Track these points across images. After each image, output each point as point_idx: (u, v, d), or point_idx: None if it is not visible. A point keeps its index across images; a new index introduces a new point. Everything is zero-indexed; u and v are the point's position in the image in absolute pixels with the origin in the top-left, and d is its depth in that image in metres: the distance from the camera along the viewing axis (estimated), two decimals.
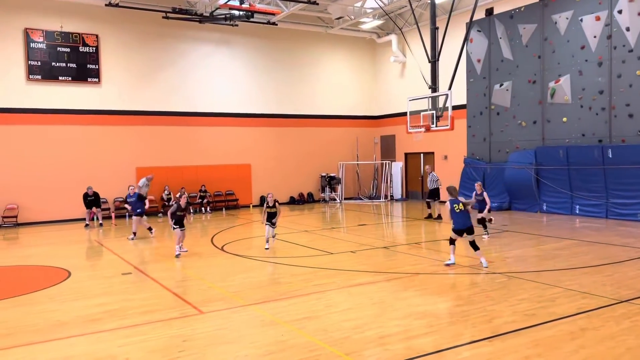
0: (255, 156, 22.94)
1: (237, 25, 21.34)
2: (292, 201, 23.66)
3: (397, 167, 24.49)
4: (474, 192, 13.26)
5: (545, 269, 9.36)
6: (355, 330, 6.27)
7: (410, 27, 23.01)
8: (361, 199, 24.82)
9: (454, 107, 16.30)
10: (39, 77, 18.44)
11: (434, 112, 16.33)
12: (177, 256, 11.31)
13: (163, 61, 20.80)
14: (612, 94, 15.90)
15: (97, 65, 19.39)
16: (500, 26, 19.16)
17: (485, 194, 12.97)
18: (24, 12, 18.27)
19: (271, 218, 11.91)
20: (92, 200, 17.42)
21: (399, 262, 10.53)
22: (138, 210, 14.29)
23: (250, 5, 19.16)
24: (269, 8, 20.35)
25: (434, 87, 16.79)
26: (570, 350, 5.50)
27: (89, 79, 19.29)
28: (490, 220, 13.61)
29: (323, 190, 24.35)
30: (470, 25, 16.87)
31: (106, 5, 18.65)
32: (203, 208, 21.00)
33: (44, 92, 18.61)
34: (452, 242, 9.84)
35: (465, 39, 16.90)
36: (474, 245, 9.65)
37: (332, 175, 24.28)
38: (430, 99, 16.72)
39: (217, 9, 19.69)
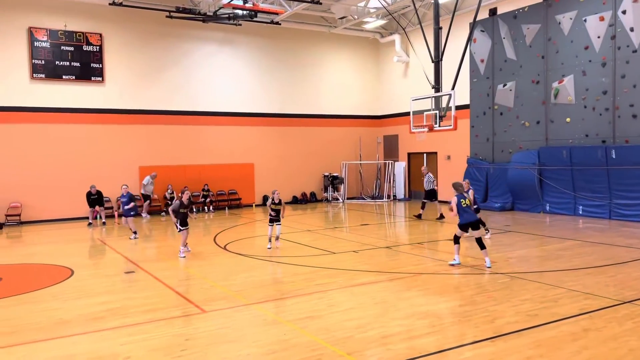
0: (258, 155, 22.95)
1: (240, 24, 21.36)
2: (295, 201, 23.67)
3: (400, 167, 24.47)
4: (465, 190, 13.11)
5: (548, 270, 9.34)
6: (357, 330, 6.27)
7: (413, 27, 22.99)
8: (364, 199, 24.80)
9: (457, 107, 16.26)
10: (43, 75, 18.49)
11: (437, 112, 16.29)
12: (183, 256, 11.25)
13: (166, 60, 20.83)
14: (615, 95, 15.85)
15: (100, 64, 19.44)
16: (504, 26, 19.12)
17: (471, 191, 12.44)
18: (28, 11, 18.32)
19: (275, 215, 11.86)
20: (95, 198, 17.47)
21: (401, 262, 10.52)
22: (132, 213, 14.17)
23: (253, 4, 19.17)
24: (272, 7, 20.36)
25: (437, 87, 16.76)
26: (573, 351, 5.49)
27: (93, 78, 19.33)
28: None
29: (326, 190, 24.35)
30: (473, 25, 16.85)
31: (110, 4, 18.69)
32: (206, 207, 21.03)
33: (48, 91, 18.66)
34: (456, 240, 9.82)
35: (469, 39, 16.85)
36: (480, 243, 9.63)
37: (335, 174, 24.28)
38: (433, 98, 16.68)
39: (220, 8, 19.71)
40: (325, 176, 24.31)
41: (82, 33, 19.12)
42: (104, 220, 17.72)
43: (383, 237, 14.01)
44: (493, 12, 19.55)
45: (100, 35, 19.44)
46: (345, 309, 7.17)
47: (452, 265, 9.70)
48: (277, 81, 23.39)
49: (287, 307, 7.49)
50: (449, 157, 22.12)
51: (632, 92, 15.41)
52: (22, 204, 18.16)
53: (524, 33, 18.42)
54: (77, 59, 19.02)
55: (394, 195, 24.48)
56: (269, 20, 21.73)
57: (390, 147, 25.70)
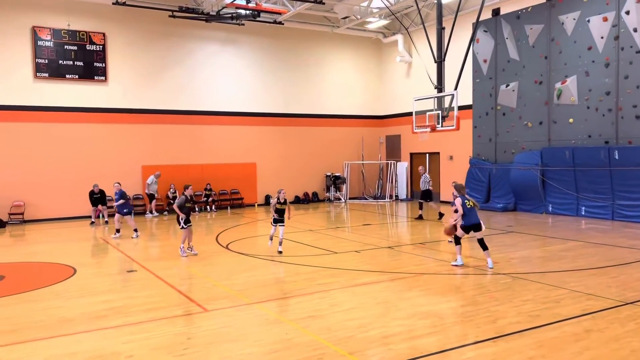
0: (260, 155, 22.97)
1: (243, 24, 21.39)
2: (297, 200, 23.68)
3: (403, 167, 24.46)
4: (453, 192, 13.03)
5: (551, 270, 9.33)
6: (359, 330, 6.27)
7: (416, 27, 22.97)
8: (366, 199, 24.80)
9: (460, 108, 16.25)
10: (46, 75, 18.54)
11: (440, 112, 16.29)
12: (185, 255, 11.18)
13: (169, 60, 20.86)
14: (619, 95, 15.82)
15: (103, 64, 19.48)
16: (507, 26, 19.10)
17: (454, 192, 12.27)
18: (32, 10, 18.37)
19: (280, 215, 11.47)
20: (98, 197, 17.51)
21: (403, 262, 10.52)
22: (124, 211, 14.15)
23: (256, 4, 19.19)
24: (275, 7, 20.39)
25: (439, 87, 16.76)
26: (575, 352, 5.48)
27: (96, 77, 19.38)
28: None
29: (328, 190, 24.35)
30: (476, 26, 16.84)
31: (113, 3, 18.72)
32: (208, 206, 21.05)
33: (51, 90, 18.71)
34: (457, 241, 9.81)
35: (472, 39, 16.86)
36: (482, 244, 9.63)
37: (337, 174, 24.28)
38: (436, 99, 16.69)
39: (223, 8, 19.75)
40: (327, 176, 24.32)
41: (86, 32, 19.16)
42: (106, 219, 17.76)
43: (385, 237, 14.01)
44: (496, 12, 19.52)
45: (104, 34, 19.48)
46: (347, 309, 7.18)
47: (456, 265, 9.68)
48: (279, 81, 23.40)
49: (289, 307, 7.50)
50: (451, 158, 22.10)
51: (635, 93, 15.37)
52: (25, 202, 18.22)
53: (527, 33, 18.40)
54: (81, 58, 19.07)
55: (396, 196, 24.47)
56: (271, 20, 21.74)
57: (393, 147, 25.69)
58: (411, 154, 24.62)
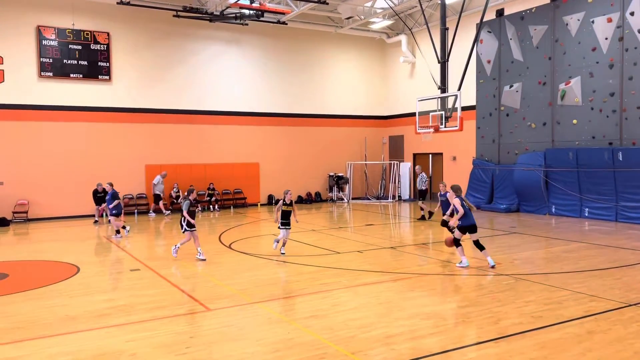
0: (263, 155, 23.00)
1: (247, 24, 21.42)
2: (300, 200, 23.69)
3: (406, 168, 24.44)
4: (439, 193, 13.07)
5: (553, 272, 9.31)
6: (361, 330, 6.28)
7: (420, 27, 22.96)
8: (369, 199, 24.80)
9: (463, 108, 16.24)
10: (51, 74, 18.60)
11: (443, 112, 16.29)
12: (175, 255, 10.92)
13: (173, 59, 20.91)
14: (623, 96, 15.77)
15: (108, 63, 19.54)
16: (511, 27, 19.07)
17: (449, 194, 11.65)
18: (37, 9, 18.45)
19: (286, 217, 11.01)
20: (101, 196, 17.52)
21: (405, 262, 10.52)
22: (114, 212, 14.06)
23: (260, 4, 19.22)
24: (279, 7, 20.42)
25: (443, 87, 16.76)
26: (577, 353, 5.47)
27: (100, 77, 19.44)
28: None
29: (331, 190, 24.36)
30: (480, 26, 16.81)
31: (118, 3, 18.78)
32: (211, 206, 21.09)
33: (56, 89, 18.78)
34: (457, 243, 9.81)
35: (476, 40, 16.84)
36: (479, 245, 9.64)
37: (340, 174, 24.29)
38: (439, 99, 16.68)
39: (227, 8, 19.78)
40: (330, 176, 24.33)
41: (90, 32, 19.22)
42: (109, 218, 17.76)
43: (388, 237, 14.01)
44: (500, 13, 19.50)
45: (108, 34, 19.54)
46: (350, 309, 7.18)
47: (463, 267, 9.64)
48: (283, 81, 23.43)
49: (291, 306, 7.52)
50: (454, 158, 22.08)
51: None
52: (29, 201, 18.29)
53: (531, 34, 18.36)
54: (85, 57, 19.13)
55: (399, 196, 24.46)
56: (275, 20, 21.77)
57: (396, 148, 25.69)
58: (414, 155, 24.61)
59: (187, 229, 10.74)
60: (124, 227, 14.32)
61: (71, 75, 18.95)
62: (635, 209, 15.13)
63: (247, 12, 19.94)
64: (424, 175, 17.47)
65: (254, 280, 8.96)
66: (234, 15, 19.93)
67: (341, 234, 14.56)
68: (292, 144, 23.74)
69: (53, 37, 18.59)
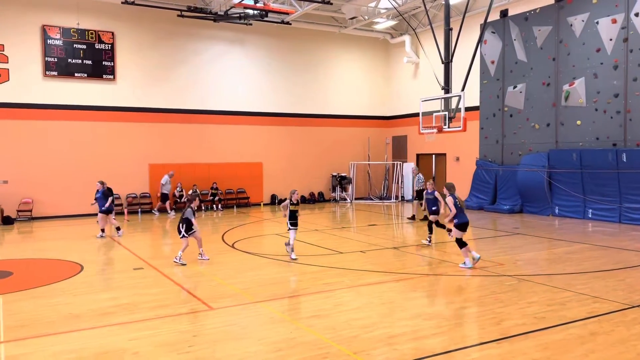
0: (267, 155, 23.02)
1: (251, 24, 21.45)
2: (303, 200, 23.69)
3: (409, 168, 24.41)
4: (425, 190, 13.06)
5: (557, 273, 9.30)
6: (363, 330, 6.28)
7: (424, 27, 22.94)
8: (372, 199, 24.79)
9: (467, 109, 16.22)
10: (55, 73, 18.67)
11: (447, 113, 16.27)
12: (184, 264, 10.30)
13: (177, 59, 20.95)
14: (627, 98, 15.73)
15: (112, 63, 19.59)
16: (515, 28, 19.04)
17: (437, 193, 11.83)
18: (42, 9, 18.51)
19: (294, 217, 10.69)
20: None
21: (408, 262, 10.52)
22: (103, 208, 14.09)
23: (264, 4, 19.23)
24: (283, 7, 20.43)
25: (447, 88, 16.73)
26: (580, 354, 5.47)
27: (104, 76, 19.49)
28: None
29: (334, 190, 24.37)
30: (484, 27, 16.79)
31: (122, 2, 18.83)
32: (214, 205, 21.13)
33: (60, 89, 18.84)
34: (462, 243, 9.77)
35: (479, 41, 16.82)
36: (460, 243, 9.81)
37: (343, 175, 24.29)
38: (443, 100, 16.65)
39: (231, 7, 19.81)
40: (333, 176, 24.33)
41: (95, 31, 19.28)
42: (113, 217, 17.80)
43: (390, 237, 14.01)
44: (504, 13, 19.47)
45: (112, 33, 19.59)
46: (352, 309, 7.19)
47: (466, 267, 9.62)
48: (286, 81, 23.45)
49: (294, 306, 7.53)
50: (458, 159, 22.05)
51: None
52: (33, 199, 18.35)
53: (535, 35, 18.33)
54: (89, 57, 19.19)
55: (402, 196, 24.44)
56: (279, 20, 21.79)
57: (399, 148, 25.67)
58: (417, 155, 24.59)
59: (186, 235, 10.46)
60: (102, 230, 14.23)
61: (76, 74, 19.01)
62: (639, 211, 15.09)
63: (251, 12, 19.96)
64: (421, 176, 17.58)
65: (257, 280, 8.98)
66: (238, 15, 19.96)
67: (344, 234, 14.56)
68: (296, 144, 23.75)
69: (58, 36, 18.65)
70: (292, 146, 23.65)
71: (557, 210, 17.32)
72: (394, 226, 16.62)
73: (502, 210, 18.51)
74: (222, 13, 20.06)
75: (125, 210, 19.04)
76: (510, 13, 19.35)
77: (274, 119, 23.16)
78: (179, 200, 20.11)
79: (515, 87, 19.11)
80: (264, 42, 22.80)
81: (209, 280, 9.04)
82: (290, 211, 10.70)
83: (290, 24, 22.25)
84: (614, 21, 15.98)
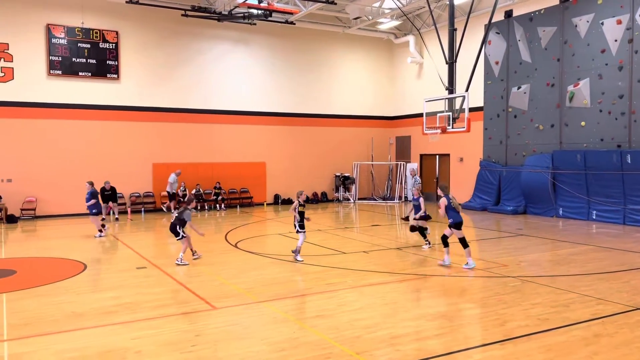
0: (270, 155, 23.03)
1: (255, 24, 21.46)
2: (307, 200, 23.63)
3: (409, 169, 24.38)
4: (412, 197, 13.17)
5: (560, 274, 9.27)
6: (366, 330, 6.27)
7: (428, 28, 22.91)
8: (375, 200, 24.77)
9: (471, 109, 16.20)
10: (60, 72, 18.72)
11: (451, 113, 16.24)
12: (186, 264, 10.28)
13: (181, 58, 20.98)
14: (632, 99, 15.67)
15: (116, 62, 19.63)
16: (520, 28, 18.99)
17: (421, 199, 12.07)
18: (47, 8, 18.57)
19: (302, 218, 10.57)
20: (109, 194, 17.58)
21: (411, 263, 10.50)
22: (94, 211, 13.88)
23: (268, 4, 19.25)
24: (287, 7, 20.44)
25: (451, 88, 16.70)
26: (584, 356, 5.45)
27: (108, 75, 19.54)
28: (425, 229, 12.12)
29: (337, 190, 24.36)
30: (489, 27, 16.74)
31: (127, 2, 18.88)
32: (217, 205, 21.15)
33: (64, 88, 18.89)
34: (465, 243, 9.76)
35: (484, 41, 16.77)
36: (445, 242, 9.93)
37: (346, 175, 24.28)
38: (447, 100, 16.63)
39: (235, 7, 19.83)
40: (336, 176, 24.33)
41: (99, 30, 19.32)
42: (117, 216, 17.88)
43: (393, 238, 14.00)
44: (509, 14, 19.42)
45: (117, 32, 19.63)
46: (355, 309, 7.18)
47: (469, 268, 9.61)
48: (290, 81, 23.45)
49: (297, 306, 7.52)
50: (461, 159, 22.01)
51: None
52: (37, 198, 18.41)
53: (540, 35, 18.28)
54: (94, 56, 19.24)
55: (405, 197, 24.42)
56: (283, 20, 21.80)
57: (403, 148, 25.64)
58: (421, 155, 24.56)
59: (184, 235, 10.48)
60: (103, 227, 14.24)
61: (80, 73, 19.06)
62: None
63: (255, 11, 19.98)
64: (418, 178, 17.74)
65: (260, 280, 8.98)
66: (242, 14, 19.97)
67: (347, 234, 14.56)
68: (299, 144, 23.76)
69: (62, 35, 18.70)
70: (295, 146, 23.65)
71: (561, 212, 17.26)
72: (397, 227, 16.59)
73: (505, 211, 18.47)
74: (226, 13, 20.09)
75: (129, 209, 19.07)
76: (515, 13, 19.31)
77: (277, 119, 23.17)
78: (182, 199, 20.12)
79: (519, 87, 19.06)
80: (267, 42, 22.81)
81: (212, 280, 9.05)
82: (299, 212, 10.59)
83: (294, 24, 22.25)
84: (619, 22, 15.92)
